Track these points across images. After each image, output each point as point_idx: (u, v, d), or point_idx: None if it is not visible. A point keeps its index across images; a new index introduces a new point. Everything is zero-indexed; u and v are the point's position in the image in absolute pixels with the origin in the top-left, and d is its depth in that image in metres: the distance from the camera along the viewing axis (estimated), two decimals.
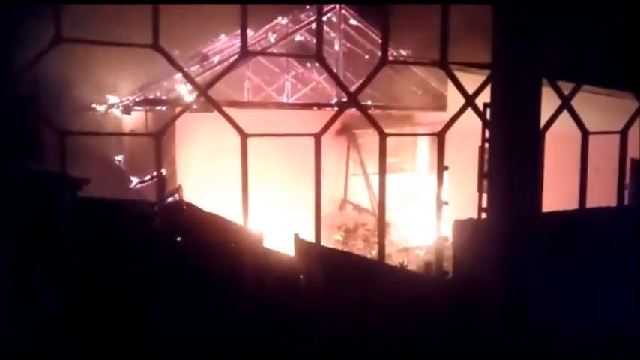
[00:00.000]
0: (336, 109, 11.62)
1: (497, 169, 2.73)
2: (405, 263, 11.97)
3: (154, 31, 2.18)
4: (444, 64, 2.82)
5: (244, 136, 2.34)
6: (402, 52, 15.15)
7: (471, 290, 3.19)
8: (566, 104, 3.25)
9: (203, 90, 2.26)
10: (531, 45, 2.85)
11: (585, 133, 3.35)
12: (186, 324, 3.49)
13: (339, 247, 12.95)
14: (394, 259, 12.28)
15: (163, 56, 2.20)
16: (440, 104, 14.20)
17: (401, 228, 14.24)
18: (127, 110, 13.28)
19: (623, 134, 3.53)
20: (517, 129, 2.73)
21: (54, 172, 3.74)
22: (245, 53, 2.38)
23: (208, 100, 2.32)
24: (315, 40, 2.82)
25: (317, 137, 2.48)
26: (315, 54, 2.54)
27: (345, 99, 2.77)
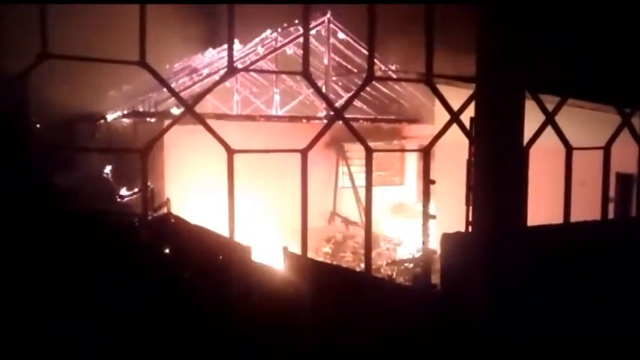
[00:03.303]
0: (324, 121, 11.70)
1: (481, 184, 2.76)
2: (394, 276, 11.99)
3: (140, 47, 2.19)
4: (430, 81, 2.85)
5: (231, 152, 2.35)
6: (391, 67, 15.30)
7: (458, 303, 3.20)
8: (550, 120, 3.29)
9: (189, 107, 2.28)
10: (515, 60, 2.89)
11: (569, 149, 3.39)
12: (174, 336, 3.48)
13: (328, 259, 12.96)
14: (383, 271, 12.31)
15: (150, 73, 2.22)
16: (428, 117, 14.35)
17: (390, 241, 14.28)
18: (115, 122, 13.30)
19: (607, 150, 3.58)
20: (500, 144, 2.76)
21: (42, 184, 3.73)
22: (232, 70, 2.39)
23: (195, 117, 2.34)
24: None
25: (303, 153, 2.49)
26: (301, 70, 2.57)
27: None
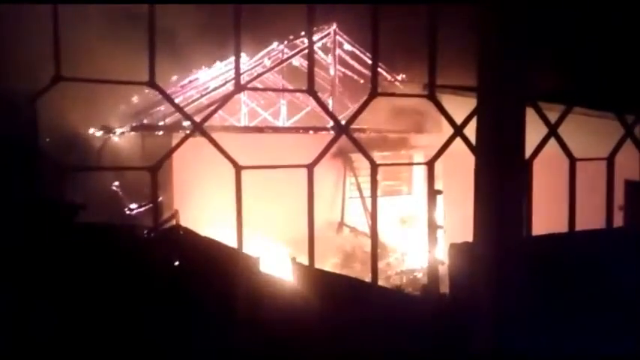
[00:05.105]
0: (331, 132, 11.75)
1: (483, 195, 2.80)
2: (403, 286, 11.99)
3: (150, 68, 2.26)
4: (432, 96, 2.91)
5: (238, 168, 2.41)
6: (397, 77, 15.36)
7: (466, 313, 3.23)
8: (552, 132, 3.33)
9: (198, 125, 2.35)
10: (516, 72, 2.93)
11: (572, 160, 3.42)
12: (184, 349, 3.52)
13: (337, 270, 12.95)
14: (392, 282, 12.31)
15: (160, 93, 2.28)
16: (435, 127, 14.32)
17: (399, 251, 14.26)
18: (123, 135, 13.41)
19: (610, 160, 3.61)
20: (502, 155, 2.80)
21: (50, 198, 3.78)
22: (239, 88, 2.46)
23: (203, 135, 2.40)
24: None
25: (309, 168, 2.55)
26: (306, 88, 2.63)
27: (342, 122, 2.91)
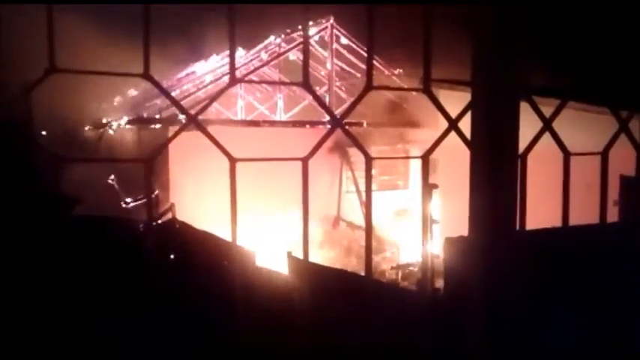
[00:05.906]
0: (328, 126, 11.74)
1: (477, 190, 2.81)
2: (398, 280, 12.02)
3: (144, 60, 2.25)
4: (427, 89, 2.91)
5: (233, 161, 2.41)
6: (394, 71, 15.34)
7: (459, 308, 3.24)
8: (547, 127, 3.34)
9: (193, 117, 2.35)
10: (510, 67, 2.94)
11: (567, 155, 3.43)
12: (180, 342, 3.53)
13: (333, 264, 12.97)
14: (387, 276, 12.33)
15: (154, 85, 2.28)
16: (432, 121, 14.31)
17: (395, 245, 14.28)
18: (119, 128, 13.38)
19: (604, 155, 3.62)
20: (496, 150, 2.81)
21: (46, 190, 3.79)
22: (234, 81, 2.46)
23: (198, 128, 2.40)
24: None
25: (304, 161, 2.56)
26: (302, 81, 2.64)
27: (338, 116, 2.92)
